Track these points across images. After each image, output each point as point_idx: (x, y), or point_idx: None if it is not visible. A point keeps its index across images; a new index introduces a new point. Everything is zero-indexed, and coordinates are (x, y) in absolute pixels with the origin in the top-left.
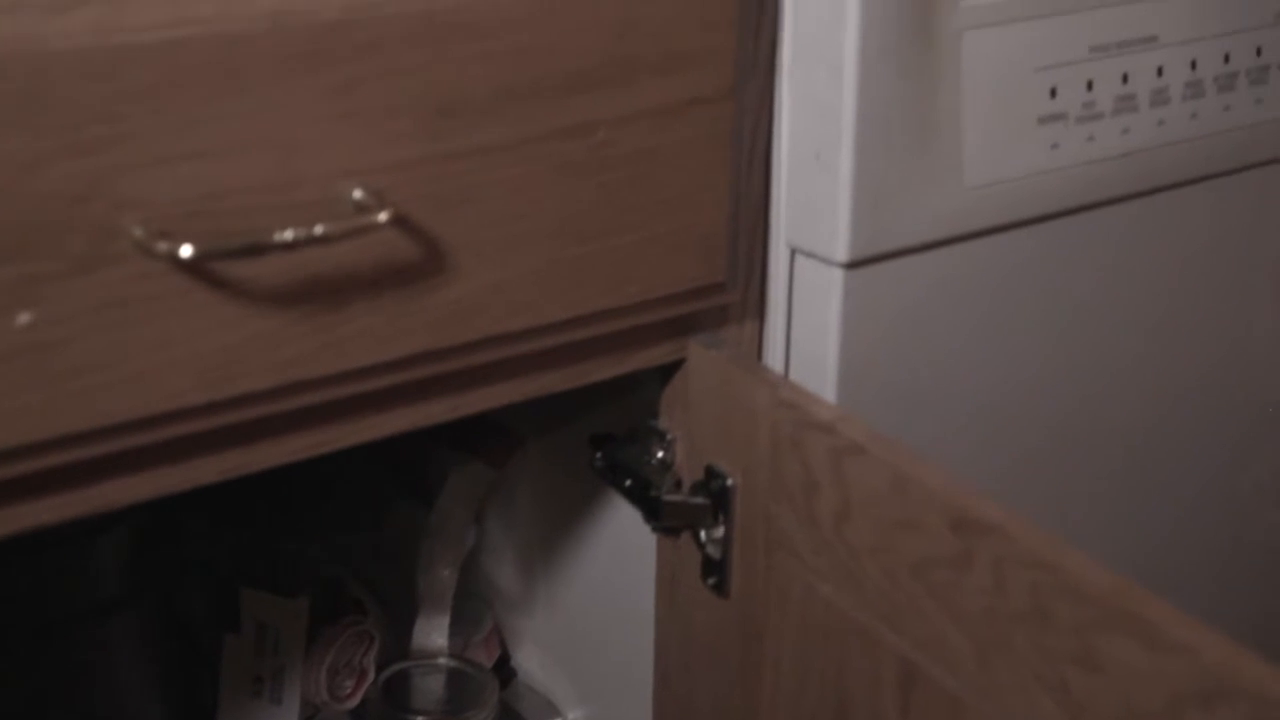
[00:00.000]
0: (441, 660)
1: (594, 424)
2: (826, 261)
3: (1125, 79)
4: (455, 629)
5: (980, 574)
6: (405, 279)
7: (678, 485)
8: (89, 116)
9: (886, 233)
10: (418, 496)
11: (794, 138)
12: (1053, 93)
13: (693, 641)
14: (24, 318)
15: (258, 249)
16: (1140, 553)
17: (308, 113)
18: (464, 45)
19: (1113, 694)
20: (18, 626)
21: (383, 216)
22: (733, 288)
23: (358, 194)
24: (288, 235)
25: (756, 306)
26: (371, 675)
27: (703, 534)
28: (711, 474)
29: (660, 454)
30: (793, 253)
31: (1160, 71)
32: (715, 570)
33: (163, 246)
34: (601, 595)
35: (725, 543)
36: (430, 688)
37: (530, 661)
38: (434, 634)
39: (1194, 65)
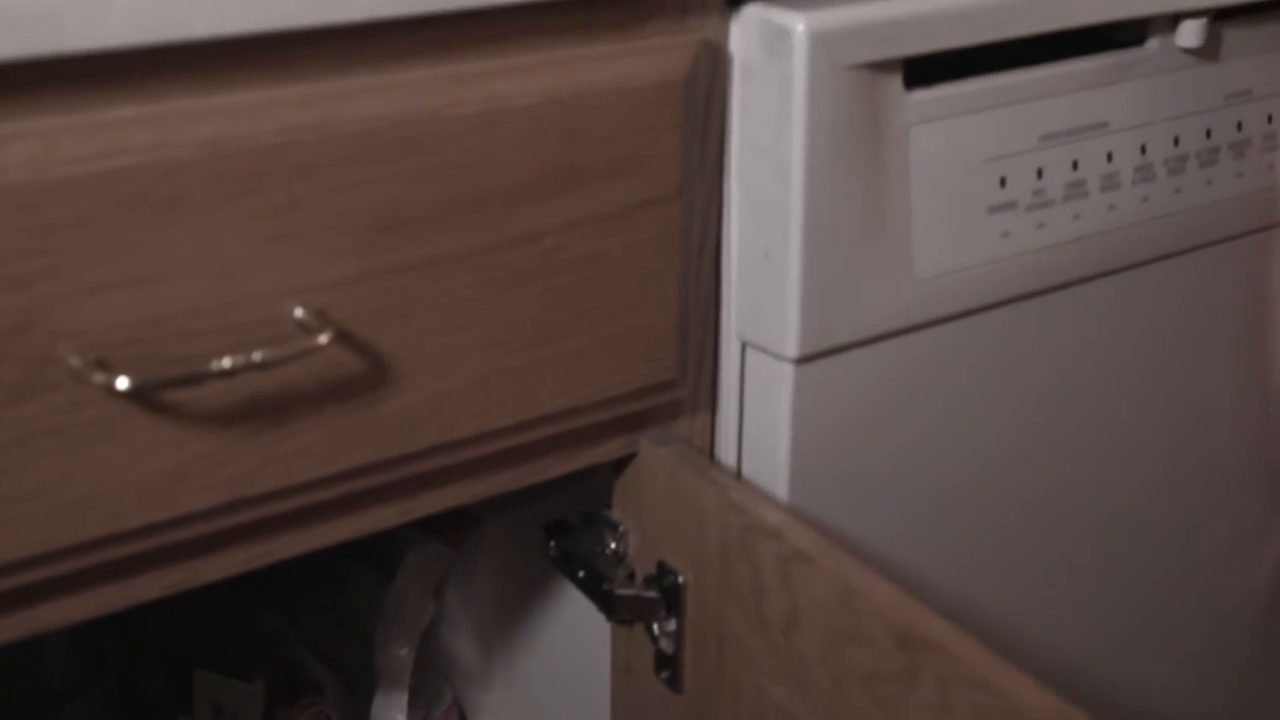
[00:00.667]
0: None
1: (551, 505)
2: (777, 357)
3: (1075, 165)
4: (416, 701)
5: (926, 691)
6: (349, 393)
7: (631, 577)
8: (22, 250)
9: (837, 328)
10: (379, 568)
11: (743, 235)
12: (1002, 182)
13: None
14: None
15: (195, 378)
16: (1104, 623)
17: (245, 235)
18: (404, 161)
19: None
20: None
21: (323, 339)
22: (683, 384)
23: (299, 313)
24: (225, 364)
25: (708, 399)
26: None
27: (655, 626)
28: (663, 569)
29: (613, 545)
30: (744, 346)
31: (1110, 157)
32: (668, 665)
33: (99, 378)
34: (559, 673)
35: (677, 638)
36: None
37: None
38: (393, 710)
39: (1144, 149)
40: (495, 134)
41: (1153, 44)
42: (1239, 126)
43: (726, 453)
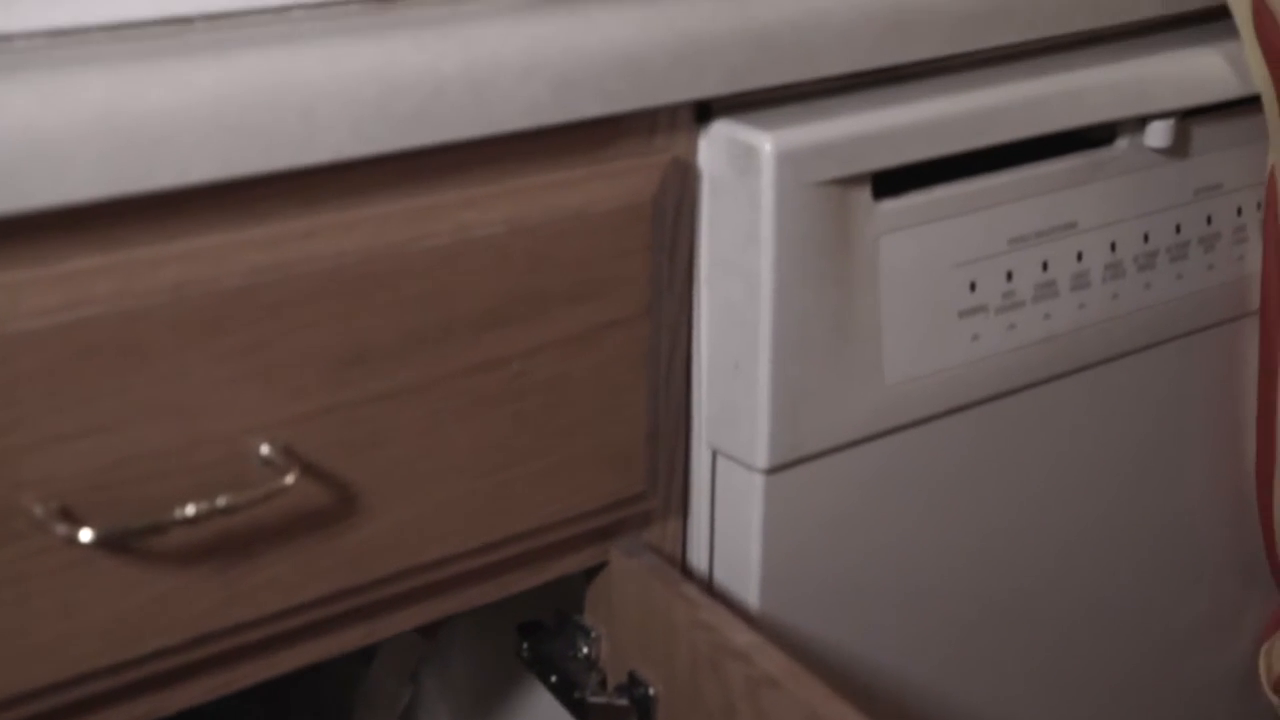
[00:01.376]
0: None
1: (525, 599)
2: (747, 467)
3: (1045, 266)
4: None
5: None
6: (315, 525)
7: (603, 684)
8: None
9: (807, 438)
10: (356, 653)
11: (713, 347)
12: (972, 286)
13: None
14: None
15: (159, 528)
16: (1083, 706)
17: (210, 377)
18: (371, 296)
19: None
20: None
21: (289, 479)
22: (653, 495)
23: (265, 450)
24: (189, 511)
25: (680, 505)
26: None
27: None
28: (634, 680)
29: (586, 650)
30: (715, 454)
31: (1080, 256)
32: None
33: (61, 529)
34: None
35: None
36: None
37: None
38: None
39: (1114, 247)
40: (462, 264)
41: (1121, 143)
42: (1209, 220)
43: (698, 558)
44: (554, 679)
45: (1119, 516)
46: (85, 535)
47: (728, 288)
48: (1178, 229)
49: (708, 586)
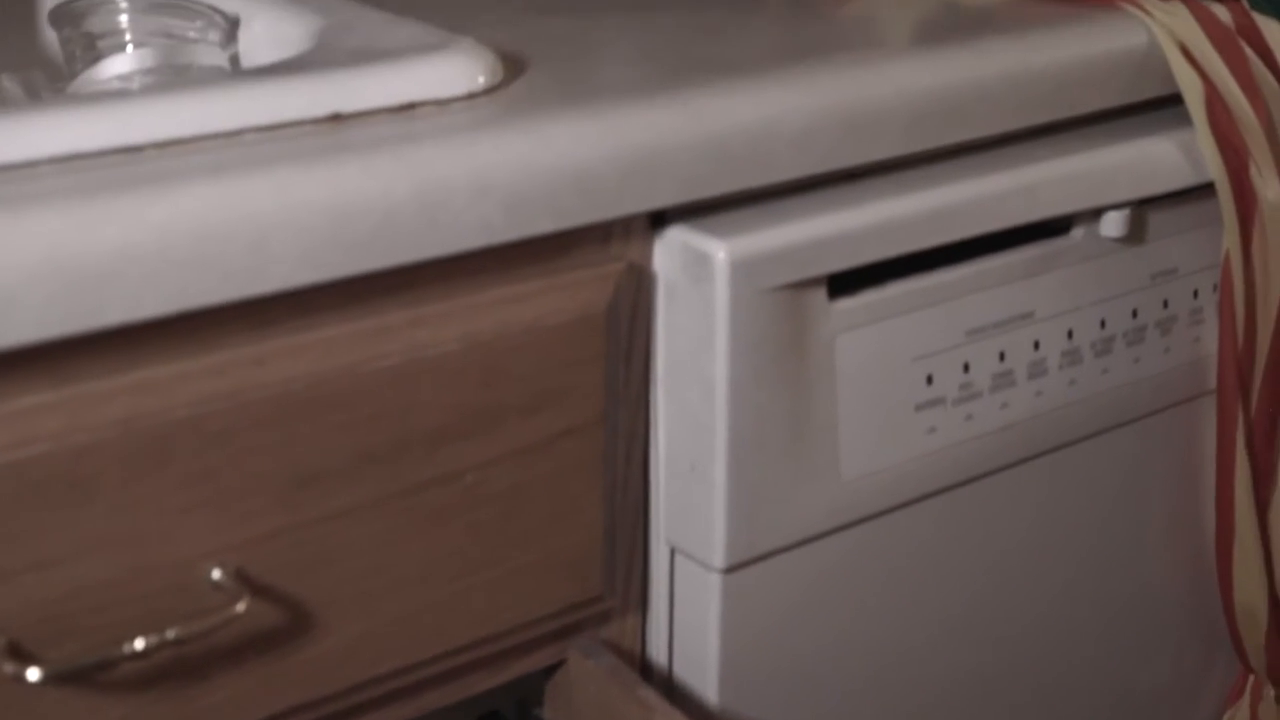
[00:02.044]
0: None
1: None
2: (705, 566)
3: (1002, 357)
4: None
5: None
6: (269, 644)
7: None
8: None
9: (764, 537)
10: None
11: (670, 447)
12: (929, 379)
13: None
14: None
15: (108, 663)
16: None
17: (159, 507)
18: (321, 419)
19: None
20: None
21: (240, 607)
22: (611, 595)
23: (216, 575)
24: (139, 645)
25: (639, 600)
26: None
27: None
28: None
29: None
30: (673, 551)
31: (1037, 345)
32: None
33: (9, 668)
34: None
35: None
36: None
37: None
38: None
39: (1070, 334)
40: (415, 384)
41: (1077, 233)
42: (1165, 304)
43: (658, 652)
44: None
45: (1079, 594)
46: (33, 674)
47: (684, 391)
48: (1134, 314)
49: (667, 681)
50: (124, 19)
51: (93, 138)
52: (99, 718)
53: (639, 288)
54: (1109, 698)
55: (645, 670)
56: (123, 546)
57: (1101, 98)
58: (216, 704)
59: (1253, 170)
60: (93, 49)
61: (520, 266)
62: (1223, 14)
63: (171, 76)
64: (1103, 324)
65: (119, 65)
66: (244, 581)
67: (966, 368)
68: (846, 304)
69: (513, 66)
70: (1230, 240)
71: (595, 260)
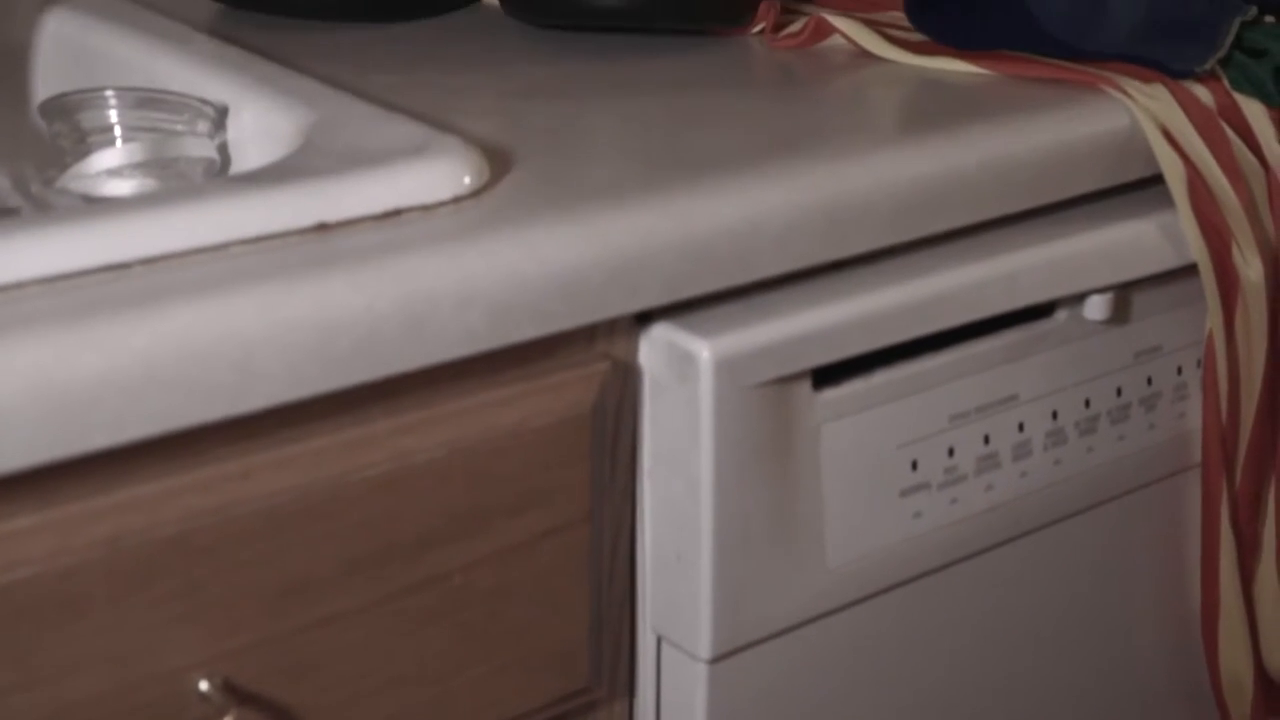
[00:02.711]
0: None
1: None
2: (690, 656)
3: (986, 440)
4: None
5: None
6: None
7: None
8: None
9: (750, 626)
10: None
11: (655, 538)
12: (914, 465)
13: None
14: None
15: None
16: None
17: (146, 622)
18: (308, 529)
19: None
20: None
21: (228, 718)
22: (598, 686)
23: (203, 686)
24: None
25: (626, 689)
26: None
27: None
28: None
29: None
30: (659, 639)
31: (1021, 427)
32: None
33: None
34: None
35: None
36: None
37: None
38: None
39: (1055, 415)
40: (401, 491)
41: (1061, 315)
42: (1149, 381)
43: None
44: None
45: (1065, 667)
46: None
47: (669, 483)
48: (1119, 392)
49: None
50: (113, 113)
51: (81, 256)
52: None
53: (624, 385)
54: None
55: None
56: (111, 663)
57: (1083, 182)
58: None
59: (1234, 251)
60: (83, 142)
61: (504, 369)
62: (1204, 95)
63: (160, 170)
64: (1087, 403)
65: (108, 159)
66: (231, 692)
67: (951, 452)
68: (831, 394)
69: (499, 161)
70: (1213, 320)
71: (580, 360)
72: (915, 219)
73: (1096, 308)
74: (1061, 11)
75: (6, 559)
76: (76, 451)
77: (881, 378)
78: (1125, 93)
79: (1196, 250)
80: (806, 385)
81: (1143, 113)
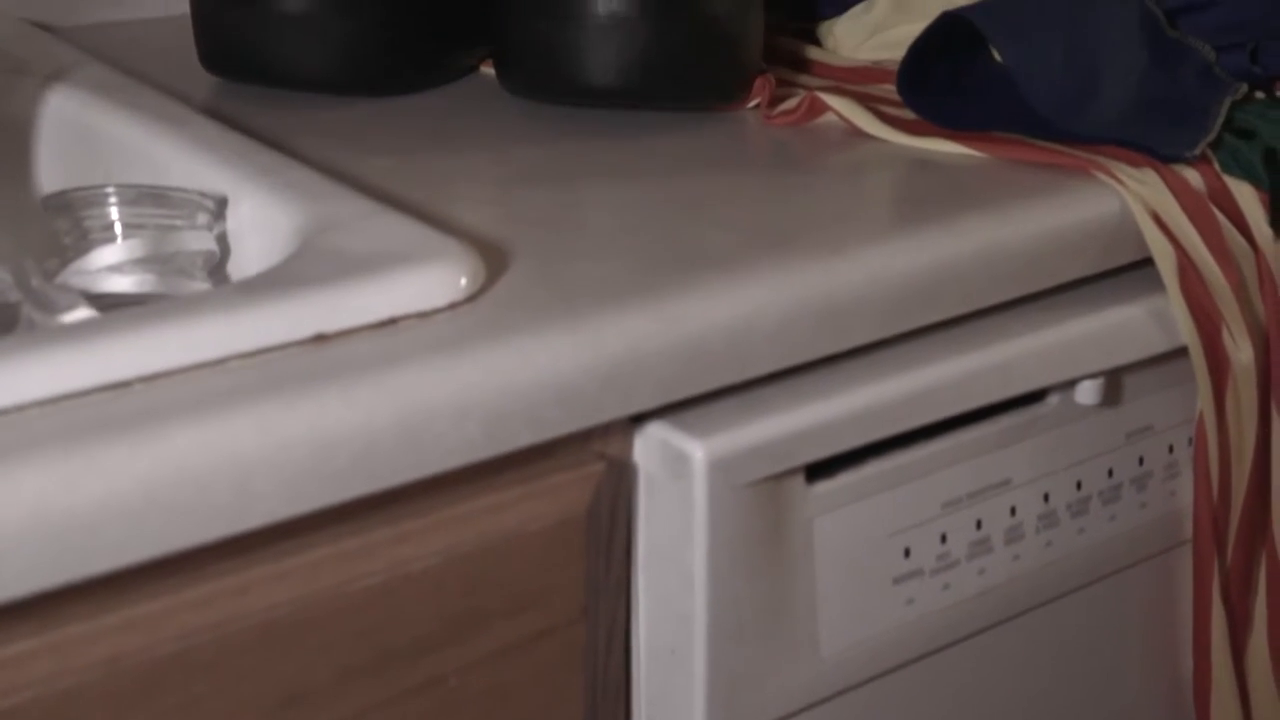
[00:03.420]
0: None
1: None
2: None
3: (979, 525)
4: None
5: None
6: None
7: None
8: None
9: (744, 717)
10: None
11: (650, 632)
12: (906, 553)
13: None
14: None
15: None
16: None
17: None
18: (306, 640)
19: None
20: None
21: None
22: None
23: None
24: None
25: None
26: None
27: None
28: None
29: None
30: None
31: (1013, 511)
32: None
33: None
34: None
35: None
36: None
37: None
38: None
39: (1046, 498)
40: (398, 599)
41: (1053, 400)
42: (1141, 461)
43: None
44: None
45: None
46: None
47: (663, 579)
48: (1110, 473)
49: None
50: (114, 210)
51: (81, 376)
52: None
53: (619, 482)
54: None
55: None
56: None
57: (1075, 268)
58: None
59: (1225, 334)
60: (84, 238)
61: (501, 472)
62: (1194, 178)
63: (160, 265)
64: (1079, 485)
65: (109, 256)
66: None
67: (943, 538)
68: (824, 487)
69: (495, 260)
70: (1204, 401)
71: (575, 462)
72: (908, 312)
73: (1088, 393)
74: (1052, 93)
75: (6, 683)
76: (77, 577)
77: (874, 468)
78: (1116, 178)
79: (1187, 334)
80: (799, 479)
81: (1133, 198)
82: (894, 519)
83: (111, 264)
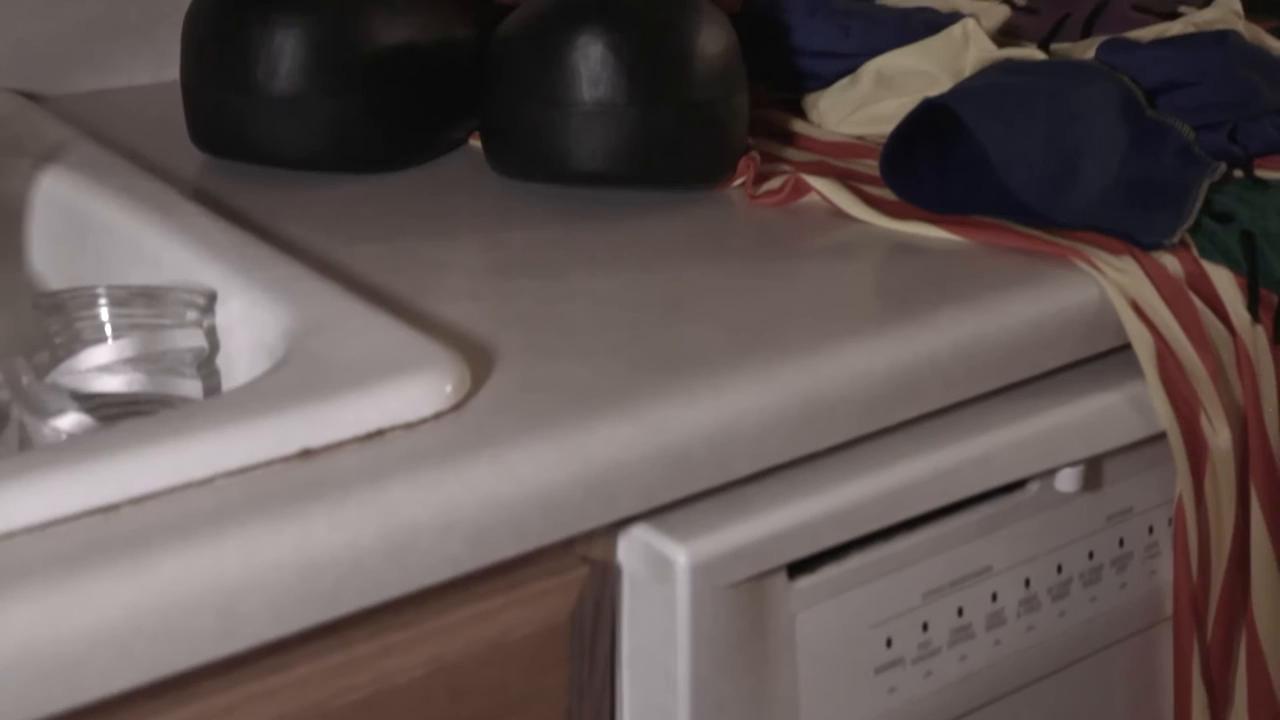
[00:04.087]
0: None
1: None
2: None
3: (960, 612)
4: None
5: None
6: None
7: None
8: None
9: None
10: None
11: None
12: (888, 642)
13: None
14: None
15: None
16: None
17: None
18: None
19: None
20: None
21: None
22: None
23: None
24: None
25: None
26: None
27: None
28: None
29: None
30: None
31: (995, 597)
32: None
33: None
34: None
35: None
36: None
37: None
38: None
39: (1028, 583)
40: (383, 711)
41: (1033, 487)
42: (1121, 542)
43: None
44: None
45: None
46: None
47: (647, 677)
48: (1090, 555)
49: None
50: (104, 311)
51: (70, 501)
52: None
53: (603, 585)
54: None
55: None
56: None
57: (1054, 358)
58: None
59: (1203, 420)
60: (75, 338)
61: (484, 585)
62: (1172, 264)
63: (150, 365)
64: (1059, 569)
65: (99, 356)
66: None
67: (925, 626)
68: (806, 582)
69: (480, 363)
70: (1183, 485)
71: (558, 567)
72: (888, 408)
73: (1068, 480)
74: (1032, 178)
75: None
76: (64, 708)
77: (856, 561)
78: (1095, 266)
79: (1166, 421)
80: (782, 575)
81: (1112, 287)
82: (876, 610)
83: (102, 364)
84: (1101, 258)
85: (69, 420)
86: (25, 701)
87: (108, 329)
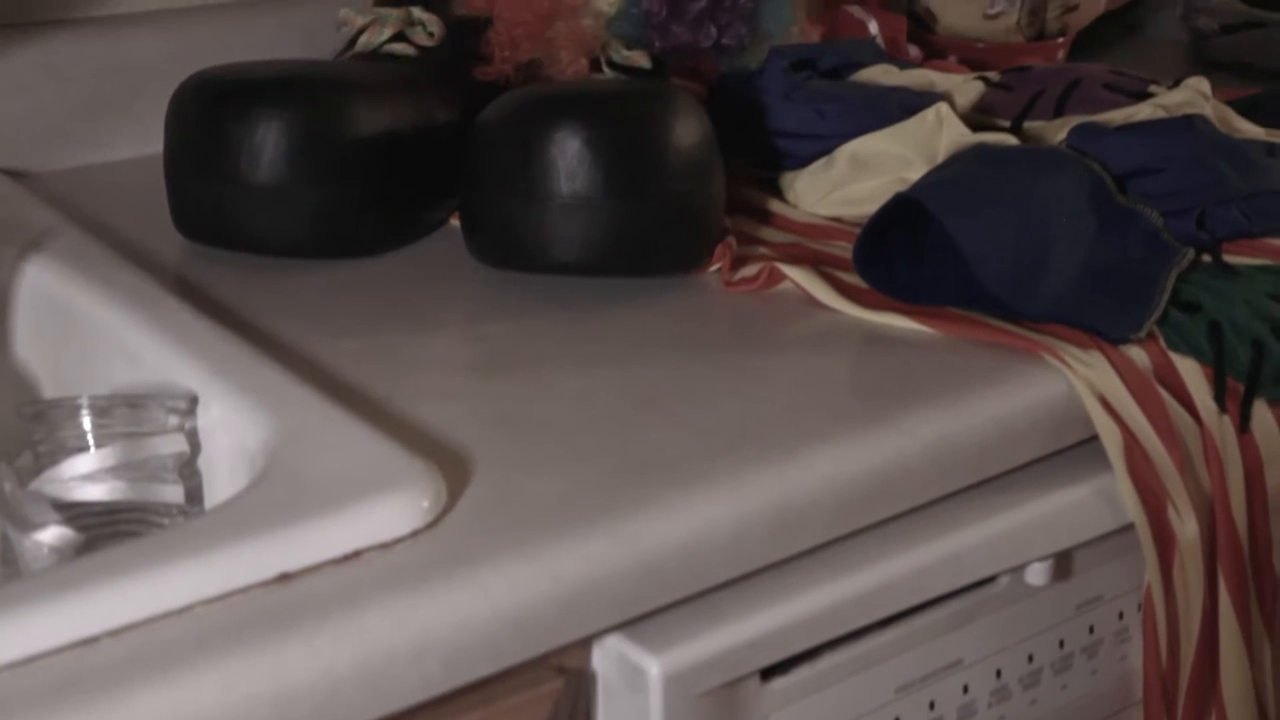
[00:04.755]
0: None
1: None
2: None
3: (932, 705)
4: None
5: None
6: None
7: None
8: None
9: None
10: None
11: None
12: None
13: None
14: None
15: None
16: None
17: None
18: None
19: None
20: None
21: None
22: None
23: None
24: None
25: None
26: None
27: None
28: None
29: None
30: None
31: (966, 689)
32: None
33: None
34: None
35: None
36: None
37: None
38: None
39: (999, 674)
40: None
41: (1003, 580)
42: (1091, 630)
43: None
44: None
45: None
46: None
47: None
48: (1061, 644)
49: None
50: (86, 420)
51: (50, 636)
52: None
53: (577, 694)
54: None
55: None
56: None
57: (1023, 454)
58: None
59: (1170, 511)
60: (58, 448)
61: (459, 699)
62: (1140, 357)
63: (132, 473)
64: (1030, 658)
65: (82, 465)
66: None
67: None
68: (779, 684)
69: (457, 475)
70: (1151, 574)
71: (532, 680)
72: (860, 510)
73: (1038, 574)
74: (1002, 271)
75: None
76: None
77: (828, 661)
78: (1063, 360)
79: (1134, 512)
80: (755, 678)
81: (1080, 382)
82: (849, 707)
83: (85, 473)
84: (1070, 352)
85: (51, 534)
86: None
87: (90, 438)
